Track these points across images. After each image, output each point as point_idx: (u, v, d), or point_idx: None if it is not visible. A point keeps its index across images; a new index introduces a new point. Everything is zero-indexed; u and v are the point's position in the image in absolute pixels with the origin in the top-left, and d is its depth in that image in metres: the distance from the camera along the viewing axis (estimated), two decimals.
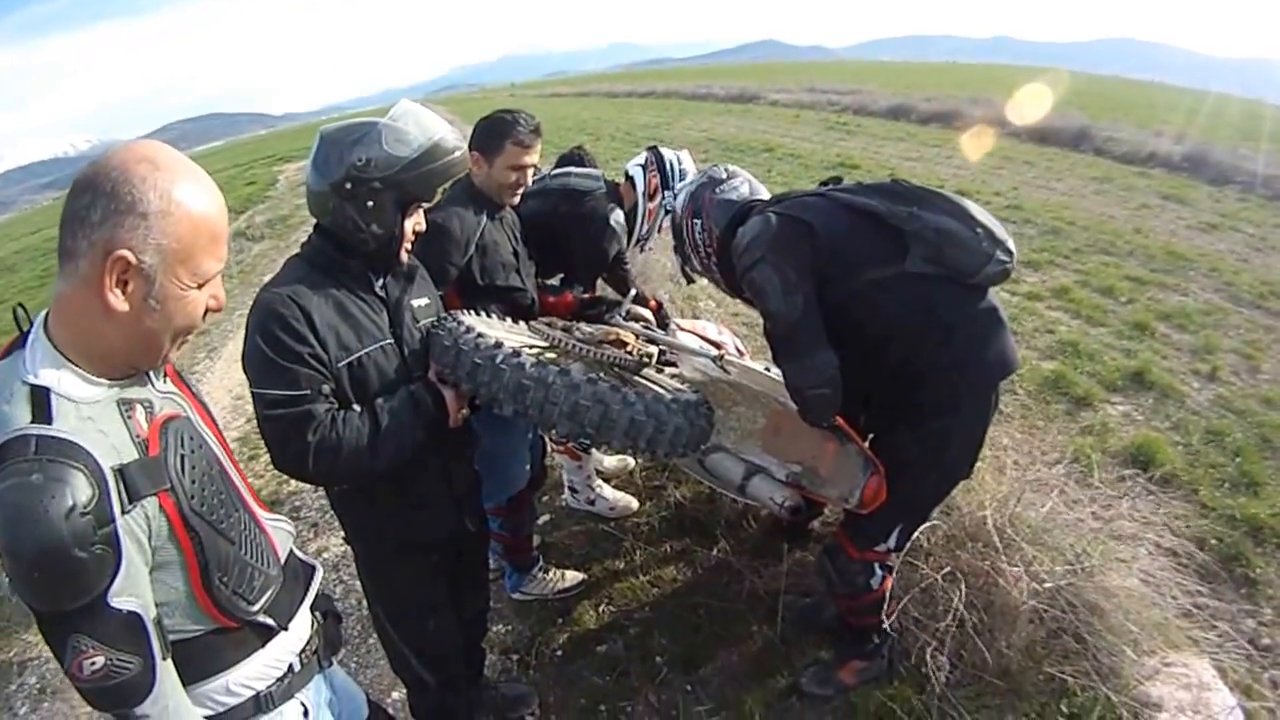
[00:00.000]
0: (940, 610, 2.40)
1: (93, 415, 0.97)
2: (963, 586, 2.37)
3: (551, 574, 2.87)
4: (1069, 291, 5.92)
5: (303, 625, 1.31)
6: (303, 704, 1.28)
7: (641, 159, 2.86)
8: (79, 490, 0.90)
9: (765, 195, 2.11)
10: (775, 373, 2.25)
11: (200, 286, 1.03)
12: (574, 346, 1.93)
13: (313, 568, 1.40)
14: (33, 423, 0.92)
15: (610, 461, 3.54)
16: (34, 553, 0.87)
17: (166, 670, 1.00)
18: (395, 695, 2.53)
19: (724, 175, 2.13)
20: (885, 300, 1.81)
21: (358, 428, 1.53)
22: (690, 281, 2.56)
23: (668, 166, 2.81)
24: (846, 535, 2.10)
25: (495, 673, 2.56)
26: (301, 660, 1.28)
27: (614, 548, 3.08)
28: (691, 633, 2.64)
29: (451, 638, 1.98)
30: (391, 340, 1.64)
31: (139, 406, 1.03)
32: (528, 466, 2.57)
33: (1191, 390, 4.49)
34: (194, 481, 1.06)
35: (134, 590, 0.96)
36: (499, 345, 1.60)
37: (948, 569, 2.41)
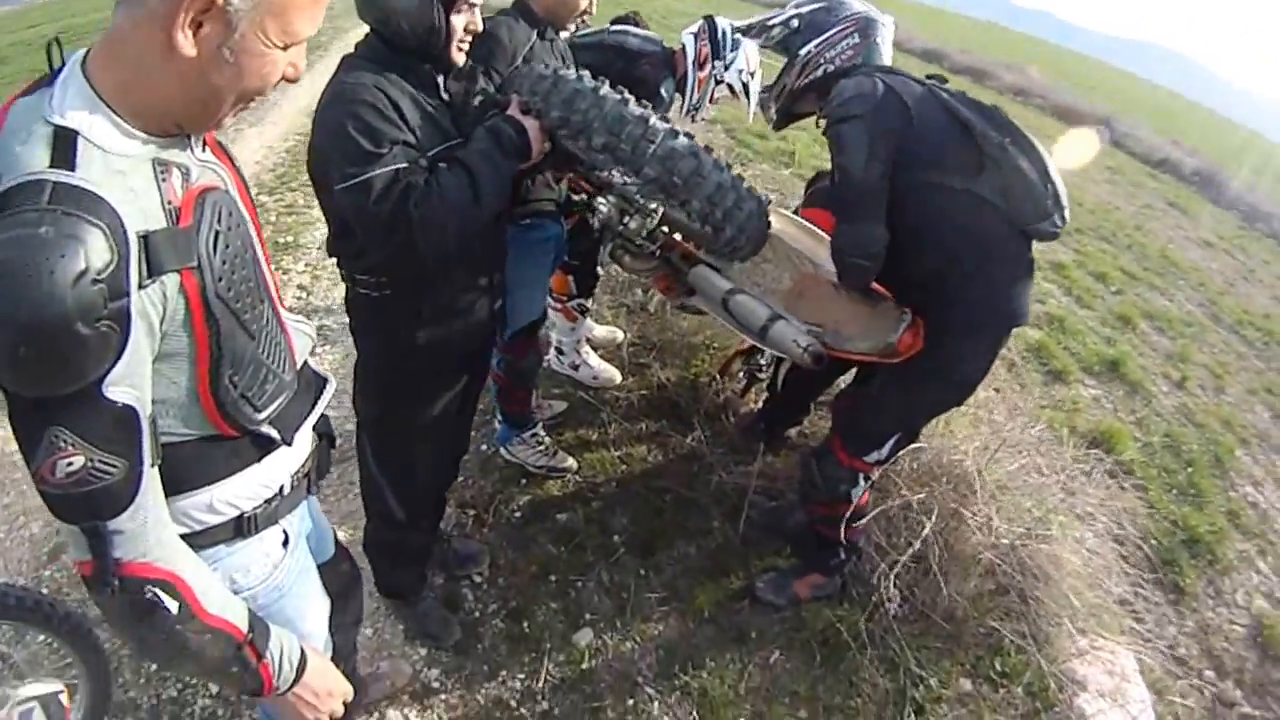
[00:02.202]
0: (902, 541, 2.38)
1: (124, 170, 0.80)
2: (934, 518, 2.34)
3: (548, 446, 2.71)
4: (1065, 268, 5.87)
5: (304, 443, 1.14)
6: (285, 531, 1.13)
7: (695, 27, 2.72)
8: (95, 252, 0.73)
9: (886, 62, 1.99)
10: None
11: (285, 48, 0.87)
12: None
13: (324, 380, 1.20)
14: (51, 167, 0.74)
15: (600, 331, 3.39)
16: (26, 321, 0.70)
17: (152, 479, 0.85)
18: (340, 535, 2.40)
19: (881, 25, 1.97)
20: (946, 208, 1.81)
21: (454, 184, 1.45)
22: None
23: (719, 36, 2.67)
24: (840, 439, 2.08)
25: (449, 525, 2.44)
26: (293, 482, 1.12)
27: (590, 417, 2.95)
28: (653, 517, 2.56)
29: (435, 475, 1.94)
30: (461, 140, 1.57)
31: (175, 170, 0.87)
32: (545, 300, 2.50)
33: (1160, 392, 4.53)
34: (225, 263, 0.89)
35: (133, 381, 0.80)
36: (601, 81, 1.56)
37: (923, 495, 2.38)
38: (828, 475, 2.09)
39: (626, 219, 1.85)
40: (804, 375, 2.72)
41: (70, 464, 0.77)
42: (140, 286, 0.78)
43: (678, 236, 2.12)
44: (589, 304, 3.10)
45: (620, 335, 3.42)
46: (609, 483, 2.68)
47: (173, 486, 0.91)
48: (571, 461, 2.71)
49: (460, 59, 1.54)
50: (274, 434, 1.04)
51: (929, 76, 1.92)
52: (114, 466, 0.80)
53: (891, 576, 2.30)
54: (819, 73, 1.95)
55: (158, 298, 0.81)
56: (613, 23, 2.99)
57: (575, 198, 2.34)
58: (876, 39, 1.95)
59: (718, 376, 3.16)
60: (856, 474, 2.08)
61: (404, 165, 1.41)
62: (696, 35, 2.70)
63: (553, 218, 2.31)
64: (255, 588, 1.08)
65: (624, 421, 2.93)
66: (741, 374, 3.14)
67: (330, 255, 1.67)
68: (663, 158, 1.51)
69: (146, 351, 0.81)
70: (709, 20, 2.72)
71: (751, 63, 2.72)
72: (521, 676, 2.06)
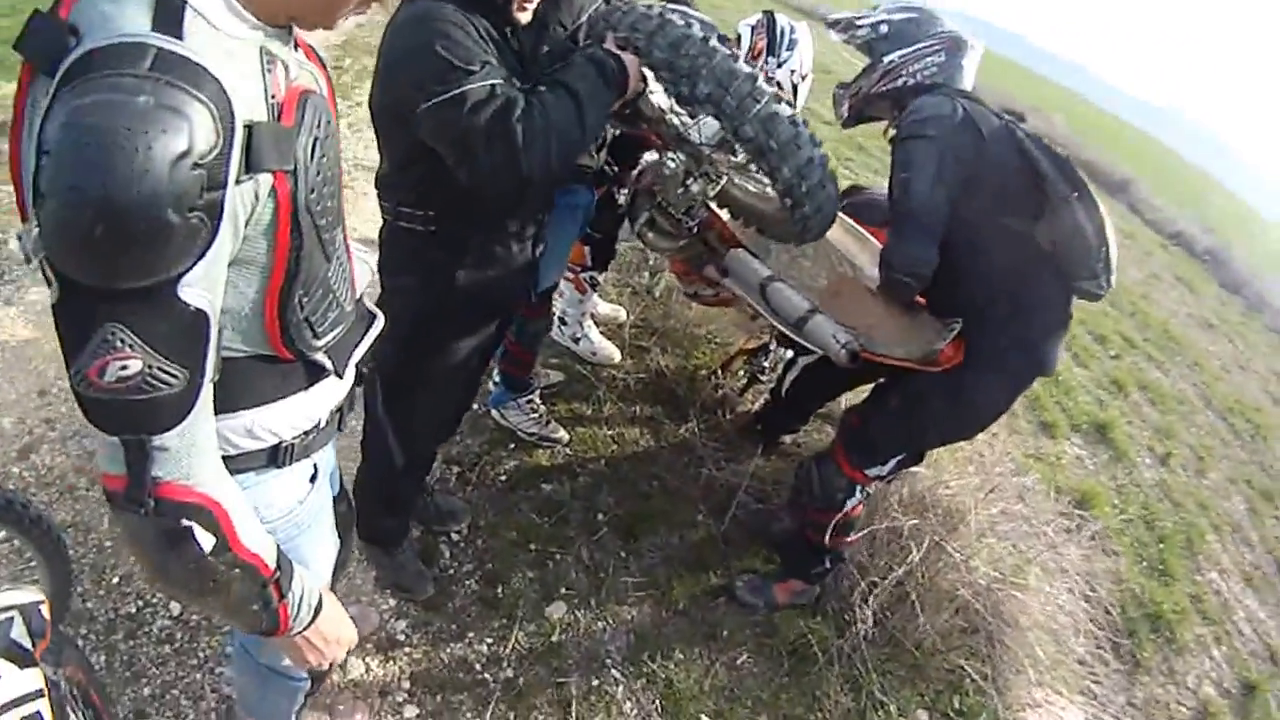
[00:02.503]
0: (883, 564, 2.46)
1: (232, 51, 0.75)
2: (923, 548, 2.41)
3: (541, 415, 2.73)
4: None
5: (349, 376, 1.11)
6: (315, 465, 1.10)
7: (753, 19, 2.74)
8: (200, 133, 0.66)
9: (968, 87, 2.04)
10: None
11: None
12: None
13: (374, 316, 1.17)
14: (154, 31, 0.67)
15: (604, 308, 3.41)
16: (111, 197, 0.63)
17: (207, 396, 0.80)
18: None
19: (969, 48, 1.99)
20: (998, 246, 1.84)
21: (557, 104, 1.42)
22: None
23: (778, 32, 2.68)
24: (844, 448, 2.14)
25: (432, 480, 2.43)
26: (329, 416, 1.09)
27: (585, 392, 2.97)
28: (640, 501, 2.60)
29: (441, 426, 1.96)
30: (529, 88, 1.51)
31: (280, 64, 0.81)
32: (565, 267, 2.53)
33: (1143, 464, 4.66)
34: (319, 173, 0.84)
35: (209, 285, 0.74)
36: (709, 31, 1.53)
37: (916, 521, 2.46)
38: (826, 482, 2.16)
39: (690, 180, 1.86)
40: (809, 385, 2.78)
41: (125, 367, 0.70)
42: (236, 181, 0.72)
43: (724, 214, 2.15)
44: (600, 278, 3.12)
45: (623, 315, 3.45)
46: (598, 461, 2.70)
47: (218, 405, 0.86)
48: (563, 433, 2.73)
49: (524, 17, 1.53)
50: (327, 363, 1.01)
51: (1007, 112, 1.96)
52: (174, 376, 0.73)
53: (870, 598, 2.36)
54: (898, 83, 1.98)
55: (249, 197, 0.76)
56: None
57: (608, 169, 2.36)
58: (962, 60, 1.97)
59: (719, 372, 3.20)
60: (854, 485, 2.15)
61: (499, 81, 1.39)
62: (754, 28, 2.71)
63: (586, 185, 2.33)
64: (275, 521, 1.05)
65: (619, 402, 2.96)
66: (743, 372, 3.19)
67: (378, 188, 1.65)
68: (765, 119, 1.48)
69: (227, 253, 0.76)
70: (769, 15, 2.73)
71: (805, 65, 2.74)
72: (489, 641, 2.08)
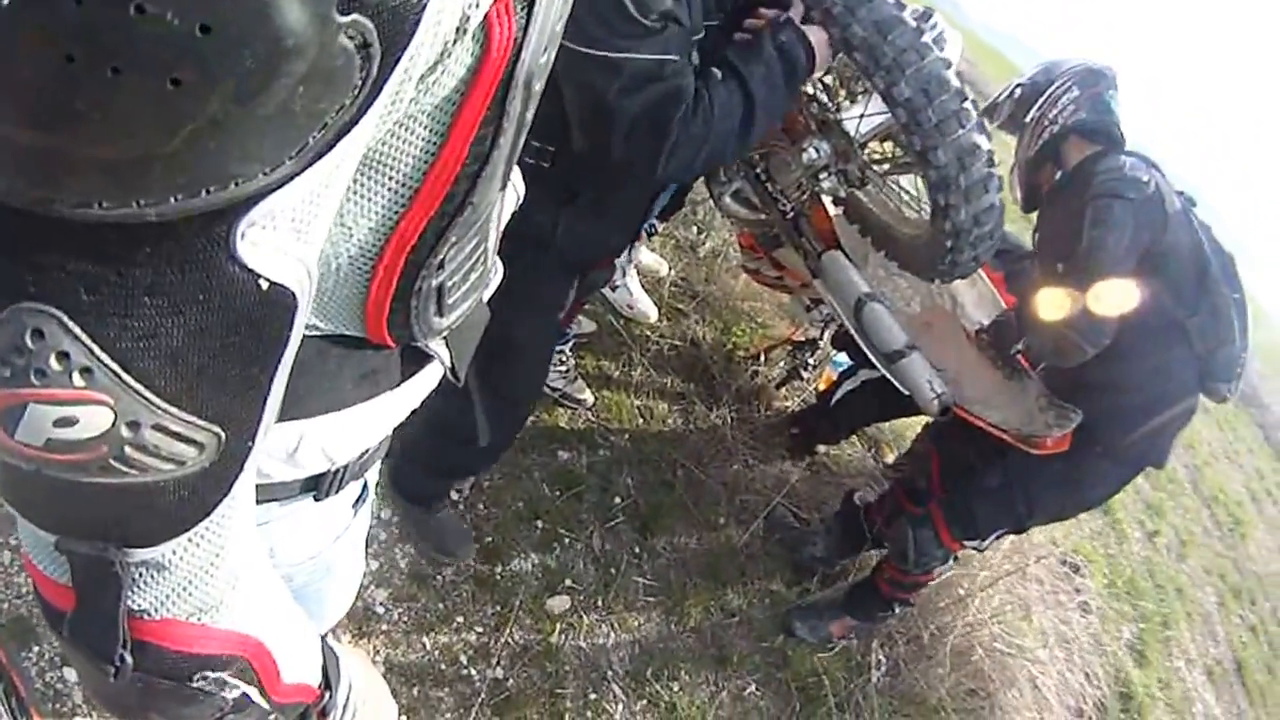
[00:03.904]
0: (910, 615, 2.41)
1: None
2: (969, 612, 2.44)
3: (569, 369, 2.47)
4: None
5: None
6: (365, 481, 0.75)
7: (917, 10, 2.51)
8: None
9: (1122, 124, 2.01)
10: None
11: None
12: None
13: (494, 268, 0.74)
14: None
15: (647, 257, 3.12)
16: None
17: (248, 476, 0.42)
18: None
19: (1103, 76, 1.97)
20: (1153, 334, 1.80)
21: (726, 106, 1.26)
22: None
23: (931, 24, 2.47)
24: (945, 519, 2.06)
25: None
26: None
27: (615, 349, 2.72)
28: (662, 491, 2.39)
29: (538, 392, 1.87)
30: (718, 25, 1.36)
31: None
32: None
33: (1133, 537, 4.69)
34: (560, 19, 0.45)
35: (310, 224, 0.35)
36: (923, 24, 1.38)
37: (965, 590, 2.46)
38: (923, 550, 2.08)
39: (823, 176, 1.68)
40: (865, 401, 2.60)
41: (70, 420, 0.32)
42: None
43: (831, 209, 1.93)
44: (659, 227, 2.85)
45: (665, 269, 3.18)
46: (621, 434, 2.47)
47: None
48: (588, 395, 2.49)
49: None
50: (444, 354, 0.63)
51: (1179, 192, 1.90)
52: (191, 443, 0.36)
53: (887, 646, 2.36)
54: (1046, 135, 1.95)
55: (448, 28, 0.35)
56: None
57: None
58: (1100, 89, 1.94)
59: (759, 356, 2.99)
60: (951, 554, 2.13)
61: (674, 58, 1.19)
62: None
63: None
64: (295, 565, 0.71)
65: (650, 369, 2.72)
66: (783, 364, 2.99)
67: None
68: (964, 149, 1.31)
69: (361, 151, 0.37)
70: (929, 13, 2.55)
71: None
72: (479, 630, 1.85)
